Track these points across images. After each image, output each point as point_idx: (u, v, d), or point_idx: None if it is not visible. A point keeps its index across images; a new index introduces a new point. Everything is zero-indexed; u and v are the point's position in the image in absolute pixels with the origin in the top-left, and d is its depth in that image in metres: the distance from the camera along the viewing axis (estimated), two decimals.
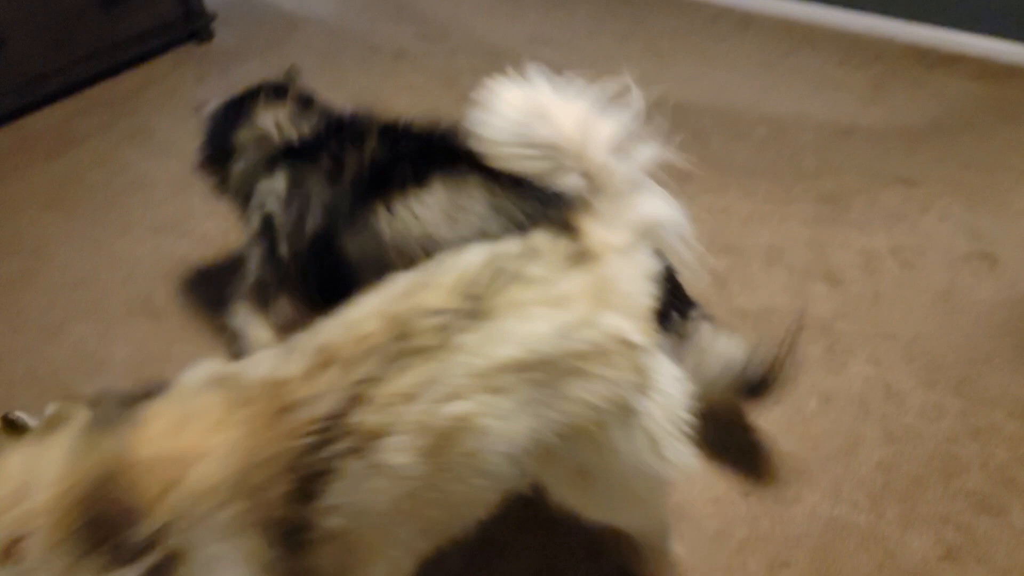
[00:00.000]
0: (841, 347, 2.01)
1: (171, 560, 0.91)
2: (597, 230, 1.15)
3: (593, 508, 1.30)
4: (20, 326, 2.13)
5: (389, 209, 1.52)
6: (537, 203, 1.45)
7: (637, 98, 1.18)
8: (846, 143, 2.74)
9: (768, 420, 1.83)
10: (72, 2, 2.98)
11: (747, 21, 3.54)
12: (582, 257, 1.12)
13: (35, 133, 2.92)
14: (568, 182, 1.16)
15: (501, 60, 3.40)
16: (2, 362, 2.03)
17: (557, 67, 1.19)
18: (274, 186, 1.65)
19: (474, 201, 1.49)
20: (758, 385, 1.58)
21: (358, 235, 1.54)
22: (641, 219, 1.19)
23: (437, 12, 3.71)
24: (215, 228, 2.42)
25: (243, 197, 1.74)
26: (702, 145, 2.75)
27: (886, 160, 2.65)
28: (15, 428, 1.02)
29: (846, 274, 2.23)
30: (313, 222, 1.59)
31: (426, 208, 1.50)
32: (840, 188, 2.53)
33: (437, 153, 1.56)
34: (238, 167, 1.75)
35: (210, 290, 2.21)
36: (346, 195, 1.56)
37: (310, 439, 0.96)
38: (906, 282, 2.19)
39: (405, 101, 3.06)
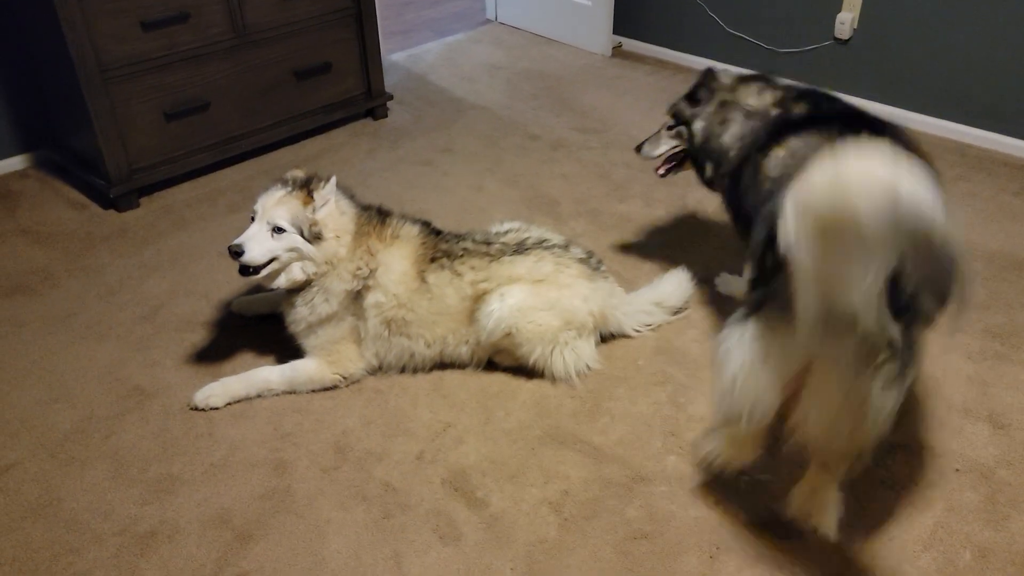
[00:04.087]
0: (1003, 498, 1.84)
1: None
2: None
3: None
4: (191, 362, 2.31)
5: (764, 158, 2.02)
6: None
7: None
8: (1021, 278, 2.57)
9: (915, 566, 1.69)
10: (273, 74, 3.30)
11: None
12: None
13: (221, 188, 3.21)
14: None
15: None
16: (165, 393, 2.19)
17: None
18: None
19: (809, 150, 1.89)
20: None
21: (750, 168, 2.07)
22: None
23: (597, 109, 3.84)
24: None
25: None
26: None
27: None
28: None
29: (1013, 418, 2.06)
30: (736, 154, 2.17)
31: (777, 158, 2.00)
32: (1011, 325, 2.37)
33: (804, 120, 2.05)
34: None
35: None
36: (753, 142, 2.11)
37: None
38: None
39: (558, 187, 3.16)
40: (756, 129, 2.11)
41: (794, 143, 1.97)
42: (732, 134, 2.17)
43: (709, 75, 2.26)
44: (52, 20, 2.70)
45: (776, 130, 2.04)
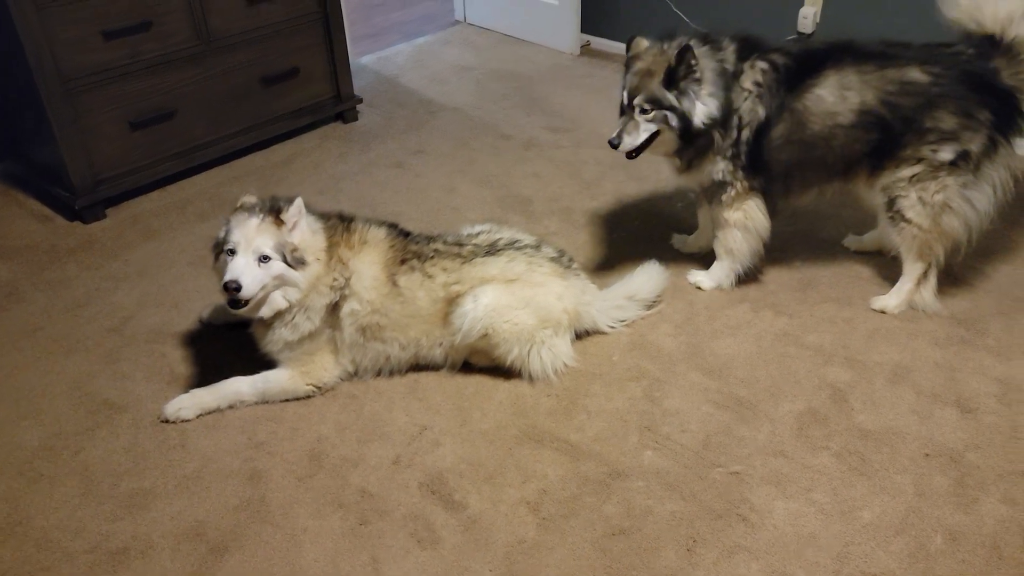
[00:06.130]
0: (972, 481, 1.87)
1: None
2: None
3: None
4: (162, 374, 2.28)
5: (803, 97, 2.28)
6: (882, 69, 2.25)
7: None
8: (984, 262, 2.61)
9: (888, 552, 1.71)
10: (240, 80, 3.27)
11: None
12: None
13: (190, 196, 3.17)
14: None
15: (624, 156, 3.43)
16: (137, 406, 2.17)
17: None
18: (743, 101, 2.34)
19: (851, 80, 2.25)
20: None
21: (783, 122, 2.30)
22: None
23: (567, 107, 3.84)
24: None
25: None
26: (828, 252, 2.68)
27: None
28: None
29: (980, 403, 2.09)
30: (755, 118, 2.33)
31: (825, 90, 2.27)
32: (975, 311, 2.40)
33: (821, 54, 2.31)
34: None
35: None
36: (775, 98, 2.30)
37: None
38: None
39: (531, 187, 3.16)
40: (769, 82, 2.28)
41: (832, 79, 2.25)
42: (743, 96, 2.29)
43: (688, 53, 2.20)
44: (9, 29, 2.66)
45: (796, 76, 2.27)
